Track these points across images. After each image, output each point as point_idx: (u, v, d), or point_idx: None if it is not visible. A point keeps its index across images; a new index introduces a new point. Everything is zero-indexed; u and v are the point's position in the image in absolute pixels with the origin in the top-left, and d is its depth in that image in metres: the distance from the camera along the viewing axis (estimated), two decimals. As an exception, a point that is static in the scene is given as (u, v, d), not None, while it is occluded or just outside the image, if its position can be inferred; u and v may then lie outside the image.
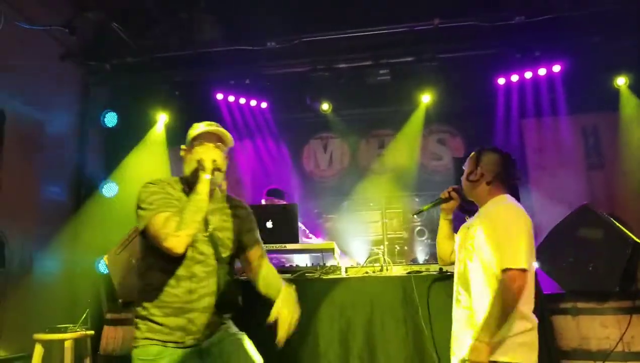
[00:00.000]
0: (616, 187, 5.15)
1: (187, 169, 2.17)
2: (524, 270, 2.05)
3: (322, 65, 5.45)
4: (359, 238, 6.04)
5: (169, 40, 5.31)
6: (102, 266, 4.79)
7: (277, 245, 3.11)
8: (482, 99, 5.50)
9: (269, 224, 3.20)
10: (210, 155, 2.09)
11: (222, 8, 5.20)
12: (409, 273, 3.24)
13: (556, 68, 5.08)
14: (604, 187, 5.18)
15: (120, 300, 3.50)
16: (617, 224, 3.30)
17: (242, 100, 5.99)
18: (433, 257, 5.47)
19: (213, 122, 2.23)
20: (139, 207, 2.05)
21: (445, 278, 3.04)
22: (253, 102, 6.03)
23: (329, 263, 3.55)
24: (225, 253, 2.16)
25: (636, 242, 3.17)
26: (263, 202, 4.44)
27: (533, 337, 2.12)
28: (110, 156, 5.72)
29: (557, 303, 3.20)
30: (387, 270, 3.35)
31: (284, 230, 3.21)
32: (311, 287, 3.09)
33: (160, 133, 5.88)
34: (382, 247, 6.05)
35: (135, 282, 2.19)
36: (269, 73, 5.64)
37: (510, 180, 2.41)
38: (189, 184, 2.14)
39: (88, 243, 5.04)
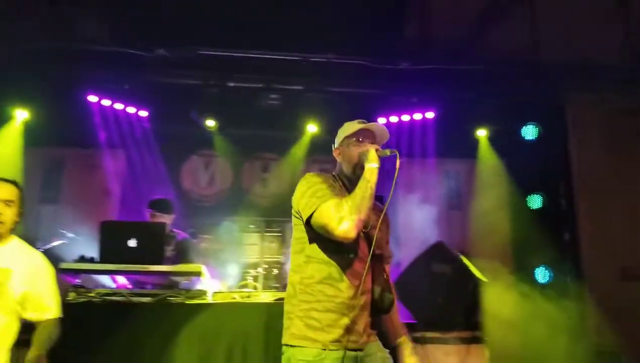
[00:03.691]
0: (470, 227, 5.85)
1: (347, 165, 2.27)
2: None
3: (212, 81, 5.47)
4: (235, 261, 6.03)
5: (43, 30, 4.94)
6: None
7: (139, 266, 3.02)
8: (364, 134, 5.91)
9: (132, 243, 3.10)
10: (373, 147, 2.19)
11: (112, 5, 5.01)
12: (277, 300, 3.34)
13: (429, 114, 5.68)
14: (461, 226, 5.86)
15: None
16: (465, 261, 3.77)
17: (119, 106, 5.72)
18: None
19: (363, 120, 2.34)
20: (302, 197, 2.10)
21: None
22: (131, 109, 5.78)
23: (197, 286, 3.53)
24: (378, 252, 2.18)
25: (479, 278, 3.66)
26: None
27: None
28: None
29: (409, 332, 3.54)
30: (255, 296, 3.43)
31: (149, 251, 3.13)
32: (173, 312, 3.06)
33: (15, 130, 5.39)
34: (259, 270, 6.11)
35: None
36: (154, 81, 5.50)
37: None
38: (349, 180, 2.24)
39: None
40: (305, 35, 5.13)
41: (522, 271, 5.34)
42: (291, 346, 2.03)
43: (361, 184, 2.08)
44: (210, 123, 5.81)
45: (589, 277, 5.46)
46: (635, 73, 5.72)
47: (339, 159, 2.35)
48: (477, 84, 5.57)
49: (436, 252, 3.71)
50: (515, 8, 5.31)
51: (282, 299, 3.39)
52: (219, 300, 3.30)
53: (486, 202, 5.65)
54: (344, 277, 2.06)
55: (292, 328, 2.05)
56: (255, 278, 6.00)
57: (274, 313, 3.10)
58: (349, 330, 2.01)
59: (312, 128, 5.83)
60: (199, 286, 3.54)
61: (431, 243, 3.81)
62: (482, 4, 5.27)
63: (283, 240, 6.39)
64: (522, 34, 5.47)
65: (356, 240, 2.10)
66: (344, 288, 2.05)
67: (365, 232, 2.16)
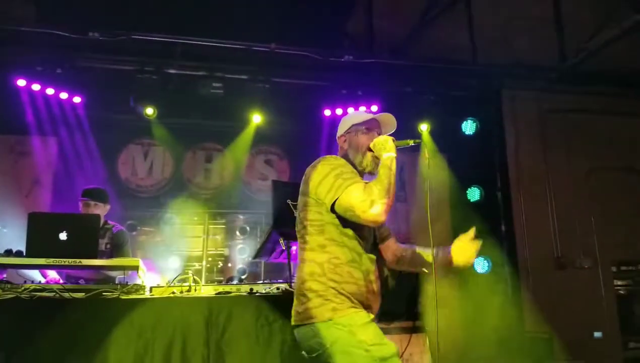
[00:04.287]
0: (416, 219, 6.03)
1: (353, 152, 2.27)
2: None
3: (150, 68, 5.29)
4: (177, 254, 5.91)
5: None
6: None
7: (71, 260, 2.89)
8: (310, 126, 5.95)
9: (63, 236, 2.96)
10: (388, 137, 2.20)
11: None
12: (218, 293, 3.30)
13: (374, 108, 5.77)
14: (405, 217, 6.03)
15: None
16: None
17: (50, 91, 5.41)
18: (253, 276, 5.65)
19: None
20: (325, 178, 2.07)
21: (256, 299, 3.19)
22: (64, 95, 5.49)
23: (134, 281, 3.42)
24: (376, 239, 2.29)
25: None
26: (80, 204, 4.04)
27: None
28: None
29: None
30: (195, 290, 3.37)
31: (81, 244, 2.99)
32: (108, 308, 2.95)
33: None
34: (202, 263, 6.02)
35: None
36: (88, 65, 5.25)
37: None
38: (354, 167, 2.23)
39: None
40: (248, 24, 5.07)
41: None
42: (335, 319, 2.00)
43: (383, 171, 2.09)
44: (149, 111, 5.61)
45: (523, 267, 5.79)
46: (567, 74, 6.08)
47: (344, 145, 2.34)
48: (419, 79, 5.74)
49: (379, 244, 3.78)
50: (455, 8, 5.48)
51: (223, 293, 3.37)
52: (158, 294, 3.21)
53: (428, 194, 5.81)
54: (362, 262, 2.12)
55: (332, 303, 2.02)
56: (198, 272, 5.92)
57: (215, 308, 3.06)
58: (373, 301, 2.14)
59: (256, 118, 5.78)
60: (136, 280, 3.43)
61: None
62: (424, 3, 5.41)
63: (227, 233, 6.33)
64: (461, 32, 5.69)
65: (369, 228, 2.18)
66: (364, 273, 2.11)
67: None
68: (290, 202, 3.50)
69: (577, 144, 6.12)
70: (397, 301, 3.68)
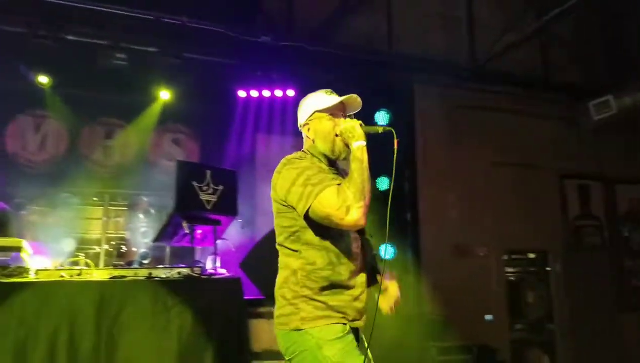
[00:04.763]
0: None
1: (322, 142, 2.15)
2: None
3: (44, 32, 4.84)
4: (72, 237, 5.53)
5: None
6: None
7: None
8: (222, 107, 5.80)
9: None
10: (355, 122, 2.09)
11: None
12: (112, 278, 3.16)
13: (290, 92, 5.76)
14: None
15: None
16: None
17: None
18: (156, 260, 5.44)
19: (330, 90, 2.24)
20: (292, 185, 1.97)
21: (154, 284, 3.08)
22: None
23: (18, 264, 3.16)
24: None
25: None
26: None
27: None
28: None
29: (256, 307, 3.61)
30: (87, 273, 3.19)
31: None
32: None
33: None
34: (101, 247, 5.68)
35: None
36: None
37: None
38: (325, 157, 2.18)
39: None
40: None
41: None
42: (307, 329, 1.98)
43: (355, 166, 2.00)
44: (43, 79, 5.16)
45: (425, 253, 6.11)
46: (476, 73, 6.47)
47: (309, 134, 2.20)
48: (335, 67, 5.79)
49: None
50: (374, -1, 5.61)
51: (118, 277, 3.21)
52: (44, 278, 3.00)
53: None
54: (342, 260, 2.06)
55: (302, 312, 2.00)
56: (97, 256, 5.59)
57: (107, 293, 2.92)
58: (356, 309, 2.08)
59: (164, 94, 5.53)
60: (20, 263, 3.17)
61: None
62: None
63: (130, 215, 6.03)
64: (379, 24, 5.84)
65: None
66: (344, 271, 2.06)
67: None
68: (195, 184, 3.41)
69: (482, 140, 6.52)
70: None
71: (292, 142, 5.98)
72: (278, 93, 5.78)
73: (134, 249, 5.92)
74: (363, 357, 1.98)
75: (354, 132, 2.07)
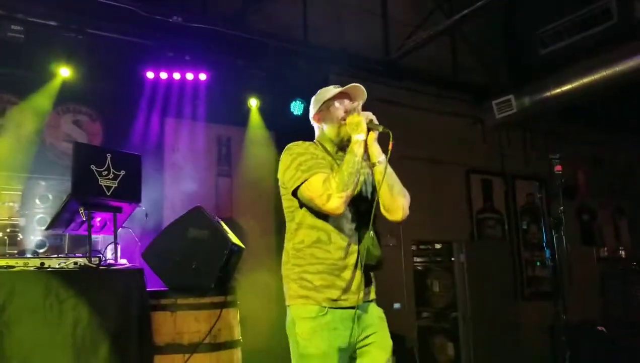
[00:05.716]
0: (239, 195, 6.11)
1: (330, 127, 2.36)
2: None
3: None
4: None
5: None
6: None
7: None
8: (129, 88, 5.55)
9: None
10: (362, 117, 2.22)
11: None
12: (-2, 268, 2.97)
13: (202, 76, 5.65)
14: (229, 193, 6.07)
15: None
16: (224, 226, 3.93)
17: None
18: (54, 249, 5.14)
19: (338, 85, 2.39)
20: (287, 169, 2.22)
21: (46, 275, 2.95)
22: None
23: None
24: (364, 208, 2.28)
25: (235, 244, 3.85)
26: None
27: None
28: None
29: (158, 299, 3.53)
30: (-33, 264, 2.98)
31: None
32: None
33: None
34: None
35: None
36: None
37: None
38: (332, 143, 2.37)
39: None
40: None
41: (282, 235, 5.86)
42: (290, 305, 2.25)
43: (348, 158, 2.15)
44: None
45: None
46: (388, 68, 6.74)
47: (319, 123, 2.42)
48: (250, 53, 5.78)
49: (194, 218, 3.75)
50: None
51: (5, 267, 3.03)
52: None
53: (254, 170, 5.97)
54: (332, 239, 2.20)
55: (290, 291, 2.25)
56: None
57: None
58: (341, 289, 2.17)
59: (65, 72, 5.19)
60: None
61: (189, 209, 3.83)
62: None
63: (25, 200, 5.65)
64: (295, 12, 5.88)
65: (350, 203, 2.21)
66: (333, 249, 2.20)
67: None
68: (94, 168, 3.28)
69: (393, 134, 6.82)
70: (209, 275, 3.70)
71: (203, 128, 5.90)
72: (189, 76, 5.64)
73: (32, 237, 5.56)
74: (331, 339, 2.12)
75: (359, 126, 2.23)
